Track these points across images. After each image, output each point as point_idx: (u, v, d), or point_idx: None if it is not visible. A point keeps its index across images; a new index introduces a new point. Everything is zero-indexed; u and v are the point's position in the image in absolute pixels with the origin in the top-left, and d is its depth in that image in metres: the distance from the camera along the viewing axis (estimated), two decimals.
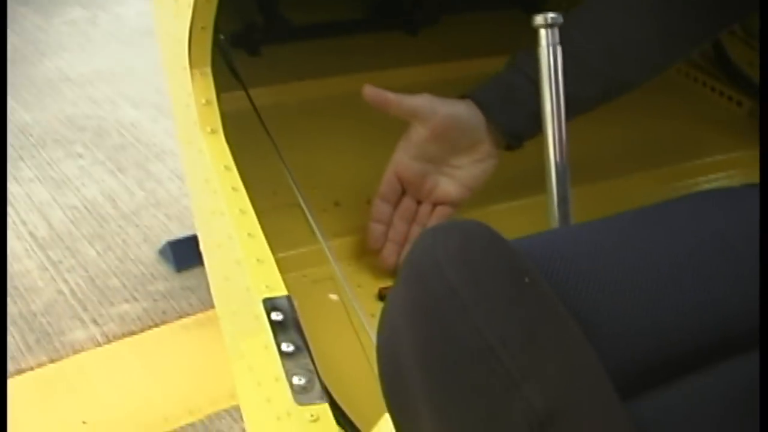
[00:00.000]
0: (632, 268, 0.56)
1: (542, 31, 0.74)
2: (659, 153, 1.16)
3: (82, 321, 1.75)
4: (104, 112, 2.49)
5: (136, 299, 1.81)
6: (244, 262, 0.69)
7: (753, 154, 1.13)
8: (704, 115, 1.29)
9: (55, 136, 2.42)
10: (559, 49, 0.74)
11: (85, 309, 1.78)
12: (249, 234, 0.70)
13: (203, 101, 0.82)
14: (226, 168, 0.77)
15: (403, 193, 0.88)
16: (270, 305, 0.65)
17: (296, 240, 0.89)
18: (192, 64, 0.83)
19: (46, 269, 1.89)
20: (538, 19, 0.74)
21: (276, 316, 0.64)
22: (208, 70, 0.84)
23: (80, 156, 2.31)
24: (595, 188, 1.04)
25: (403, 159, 0.86)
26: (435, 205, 0.89)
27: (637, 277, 0.56)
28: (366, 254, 0.91)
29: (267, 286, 0.67)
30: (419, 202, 0.89)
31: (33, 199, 2.14)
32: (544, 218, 0.81)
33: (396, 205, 0.89)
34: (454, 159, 0.86)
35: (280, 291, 0.66)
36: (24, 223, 2.05)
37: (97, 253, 1.94)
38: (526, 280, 0.48)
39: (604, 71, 0.85)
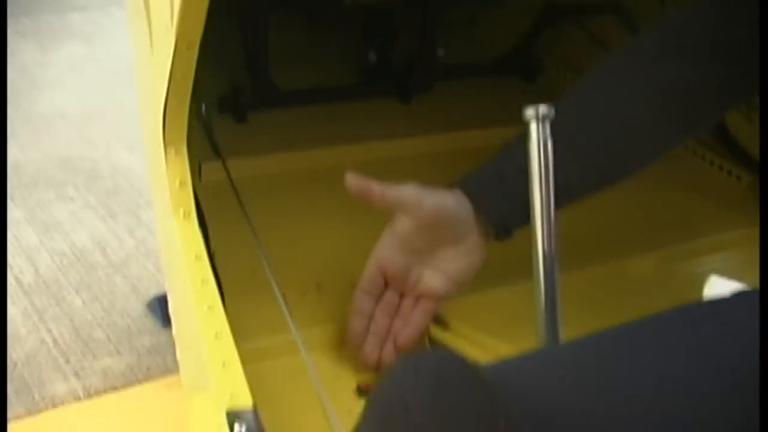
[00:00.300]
0: (620, 400, 0.53)
1: (533, 125, 0.70)
2: (655, 231, 1.13)
3: (64, 374, 1.71)
4: (98, 154, 2.46)
5: (120, 353, 1.77)
6: (208, 365, 0.65)
7: (751, 233, 1.10)
8: (702, 189, 1.25)
9: (47, 176, 2.39)
10: (550, 143, 0.71)
11: (67, 361, 1.75)
12: (216, 334, 0.67)
13: (177, 182, 0.79)
14: (197, 258, 0.73)
15: (386, 285, 0.85)
16: (233, 417, 0.61)
17: (274, 325, 0.85)
18: (166, 141, 0.79)
19: (30, 317, 1.86)
20: (529, 112, 0.71)
21: (239, 428, 0.61)
22: (184, 148, 0.80)
23: (71, 199, 2.28)
24: (587, 273, 1.00)
25: (387, 252, 0.83)
26: (419, 298, 0.85)
27: (624, 411, 0.52)
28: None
29: (231, 395, 0.63)
30: (402, 295, 0.85)
31: (21, 243, 2.11)
32: (530, 306, 0.77)
33: (378, 298, 0.85)
34: (441, 251, 0.83)
35: (245, 401, 0.62)
36: (10, 267, 2.01)
37: (83, 302, 1.91)
38: (501, 424, 0.44)
39: (598, 161, 0.82)
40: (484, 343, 0.82)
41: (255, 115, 1.25)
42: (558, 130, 0.78)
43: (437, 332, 0.86)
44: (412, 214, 0.81)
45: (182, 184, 0.79)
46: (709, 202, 1.22)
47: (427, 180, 1.13)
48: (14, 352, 1.75)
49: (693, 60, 0.80)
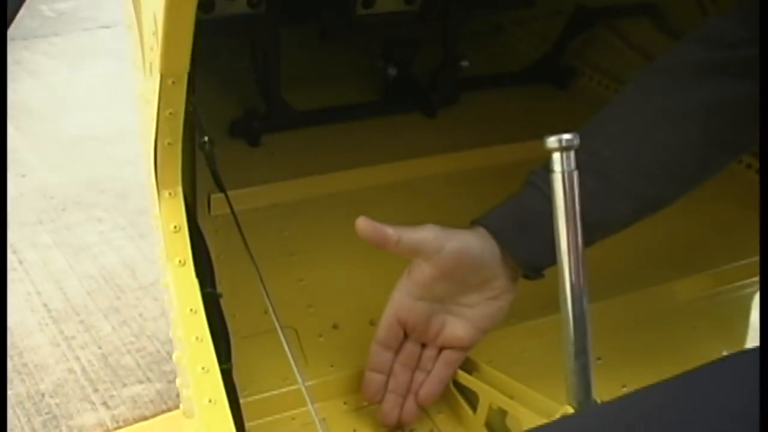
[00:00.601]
0: None
1: (555, 156, 0.63)
2: (701, 250, 1.04)
3: (92, 403, 1.68)
4: (127, 174, 2.42)
5: (149, 380, 1.73)
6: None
7: None
8: (750, 202, 1.16)
9: (76, 198, 2.36)
10: (575, 175, 0.63)
11: (95, 390, 1.71)
12: (210, 400, 0.60)
13: (172, 227, 0.73)
14: (192, 312, 0.67)
15: (406, 336, 0.77)
16: None
17: (286, 373, 0.78)
18: (159, 184, 0.73)
19: (58, 345, 1.83)
20: (551, 141, 0.63)
21: None
22: (179, 190, 0.74)
23: (100, 221, 2.25)
24: (629, 299, 0.94)
25: (405, 300, 0.76)
26: (442, 348, 0.78)
27: None
28: None
29: None
30: (423, 345, 0.78)
31: (49, 268, 2.08)
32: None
33: (397, 350, 0.78)
34: (464, 297, 0.76)
35: None
36: (39, 293, 1.99)
37: (112, 328, 1.87)
38: None
39: (635, 189, 0.74)
40: (512, 390, 0.74)
41: (269, 139, 1.19)
42: (587, 158, 0.70)
43: (464, 376, 0.78)
44: (431, 260, 0.73)
45: (177, 229, 0.73)
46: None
47: (458, 200, 1.07)
48: (42, 383, 1.71)
49: (734, 77, 0.71)
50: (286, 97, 1.17)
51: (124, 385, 1.72)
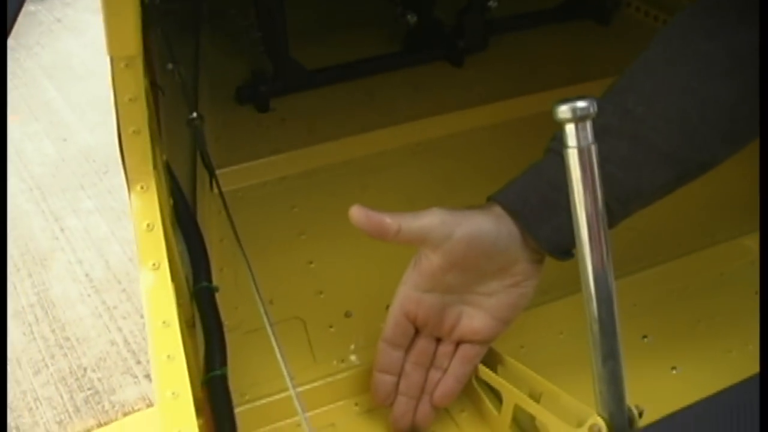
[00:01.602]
0: None
1: (569, 128, 0.52)
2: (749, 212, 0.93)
3: (134, 376, 1.64)
4: None
5: None
6: None
7: None
8: None
9: (117, 160, 2.30)
10: (593, 149, 0.52)
11: (138, 362, 1.68)
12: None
13: (145, 225, 0.64)
14: (164, 324, 0.59)
15: (416, 332, 0.68)
16: None
17: (293, 372, 0.70)
18: (129, 178, 0.65)
19: (100, 316, 1.79)
20: (563, 110, 0.51)
21: None
22: (152, 184, 0.66)
23: None
24: (664, 269, 0.83)
25: (412, 294, 0.66)
26: (458, 343, 0.68)
27: None
28: None
29: None
30: (438, 340, 0.69)
31: (91, 235, 2.04)
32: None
33: (408, 348, 0.68)
34: (481, 286, 0.66)
35: None
36: (80, 262, 1.95)
37: None
38: None
39: (677, 153, 0.63)
40: (540, 388, 0.65)
41: (279, 103, 1.09)
42: (619, 118, 0.62)
43: (486, 372, 0.69)
44: (439, 249, 0.63)
45: (151, 227, 0.64)
46: None
47: (494, 158, 0.97)
48: (84, 357, 1.68)
49: None
50: (295, 55, 1.07)
51: None
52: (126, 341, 1.72)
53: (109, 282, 1.89)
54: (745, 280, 0.83)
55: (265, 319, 0.69)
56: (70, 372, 1.65)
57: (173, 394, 0.55)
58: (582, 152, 0.53)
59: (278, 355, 0.66)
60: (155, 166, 0.67)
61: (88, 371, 1.65)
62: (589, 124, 0.53)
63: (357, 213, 0.64)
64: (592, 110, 0.52)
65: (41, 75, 2.84)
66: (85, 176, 2.27)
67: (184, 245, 0.76)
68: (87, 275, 1.91)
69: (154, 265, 0.63)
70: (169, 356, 0.58)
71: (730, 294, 0.83)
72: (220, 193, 0.79)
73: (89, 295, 1.85)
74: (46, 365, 1.66)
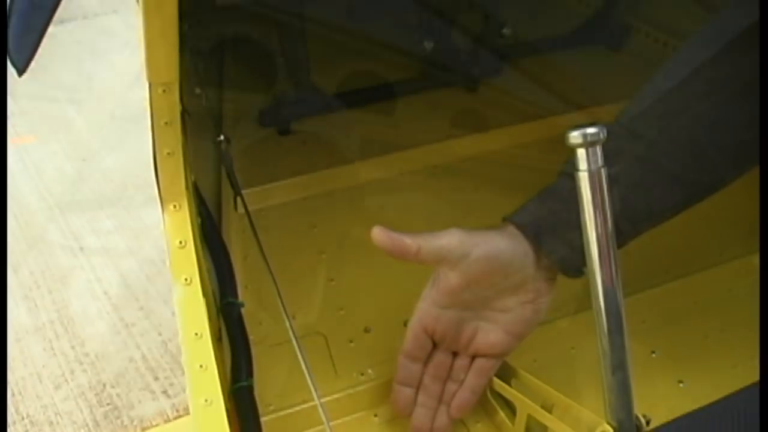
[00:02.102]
0: None
1: (580, 153, 0.55)
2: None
3: (152, 392, 1.67)
4: None
5: None
6: None
7: None
8: None
9: (135, 180, 2.35)
10: (603, 172, 0.56)
11: (156, 378, 1.70)
12: None
13: (177, 243, 0.68)
14: (197, 336, 0.62)
15: (434, 346, 0.72)
16: None
17: (317, 383, 0.73)
18: (162, 197, 0.69)
19: (119, 333, 1.82)
20: (574, 136, 0.55)
21: None
22: (184, 203, 0.69)
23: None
24: (671, 288, 0.86)
25: (431, 310, 0.69)
26: (474, 357, 0.72)
27: None
28: None
29: None
30: (455, 354, 0.72)
31: (110, 253, 2.07)
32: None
33: (426, 362, 0.72)
34: (496, 302, 0.69)
35: None
36: (99, 280, 1.98)
37: (172, 313, 1.84)
38: None
39: (688, 175, 0.66)
40: (552, 400, 0.68)
41: (301, 126, 1.13)
42: (631, 143, 0.65)
43: (499, 385, 0.72)
44: (457, 268, 0.67)
45: (183, 244, 0.68)
46: None
47: (510, 180, 1.00)
48: (103, 373, 1.71)
49: None
50: (315, 80, 1.11)
51: (184, 372, 1.71)
52: (144, 358, 1.75)
53: (128, 300, 1.92)
54: (753, 297, 0.86)
55: (291, 333, 0.72)
56: (90, 387, 1.68)
57: (206, 401, 0.59)
58: (592, 175, 0.56)
59: (303, 368, 0.69)
60: (187, 187, 0.70)
61: (107, 387, 1.68)
62: (599, 149, 0.57)
63: (379, 234, 0.67)
64: (601, 136, 0.56)
65: (61, 96, 2.89)
66: (103, 196, 2.31)
67: (211, 262, 0.79)
68: (106, 293, 1.94)
69: (186, 280, 0.67)
70: (201, 366, 0.61)
71: (738, 311, 0.86)
72: (247, 212, 0.83)
73: (108, 313, 1.88)
74: (66, 380, 1.69)
